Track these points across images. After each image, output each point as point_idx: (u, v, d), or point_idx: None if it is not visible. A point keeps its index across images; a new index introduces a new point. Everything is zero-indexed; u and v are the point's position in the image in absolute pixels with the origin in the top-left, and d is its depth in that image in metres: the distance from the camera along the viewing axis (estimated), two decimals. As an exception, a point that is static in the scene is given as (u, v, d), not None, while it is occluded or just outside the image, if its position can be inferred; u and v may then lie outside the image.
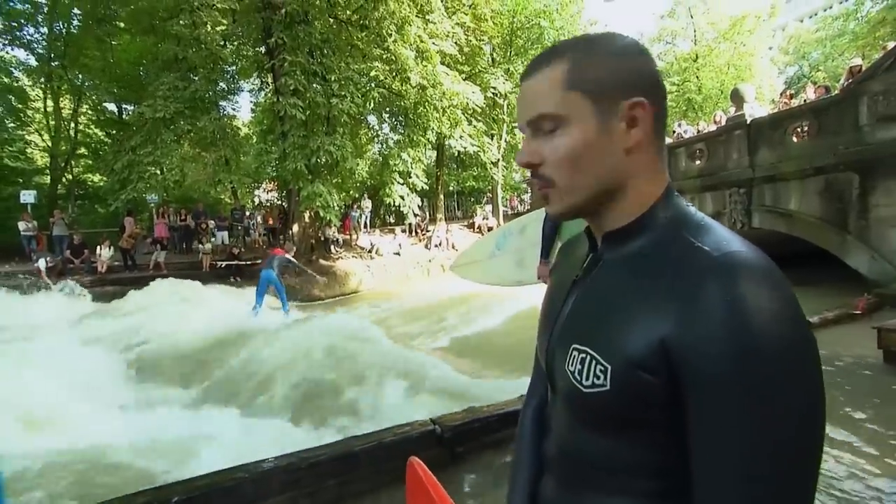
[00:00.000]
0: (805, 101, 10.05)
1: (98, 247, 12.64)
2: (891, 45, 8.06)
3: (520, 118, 0.64)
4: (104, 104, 20.14)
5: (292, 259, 10.41)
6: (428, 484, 1.00)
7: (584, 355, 0.58)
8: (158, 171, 13.71)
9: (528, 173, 0.68)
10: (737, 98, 9.44)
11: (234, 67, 16.81)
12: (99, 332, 7.55)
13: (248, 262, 13.64)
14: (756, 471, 0.46)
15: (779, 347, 0.47)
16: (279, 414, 3.94)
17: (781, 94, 12.14)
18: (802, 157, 7.93)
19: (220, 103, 16.45)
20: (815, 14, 40.47)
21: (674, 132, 16.15)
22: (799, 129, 8.23)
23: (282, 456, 2.53)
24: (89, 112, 20.00)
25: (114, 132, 19.19)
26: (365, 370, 4.86)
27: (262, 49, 14.93)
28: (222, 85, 16.86)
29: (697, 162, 10.31)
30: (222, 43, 14.45)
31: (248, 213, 17.40)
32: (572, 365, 0.59)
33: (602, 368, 0.55)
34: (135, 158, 12.13)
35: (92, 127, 20.47)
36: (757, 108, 10.37)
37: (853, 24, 24.55)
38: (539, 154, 0.62)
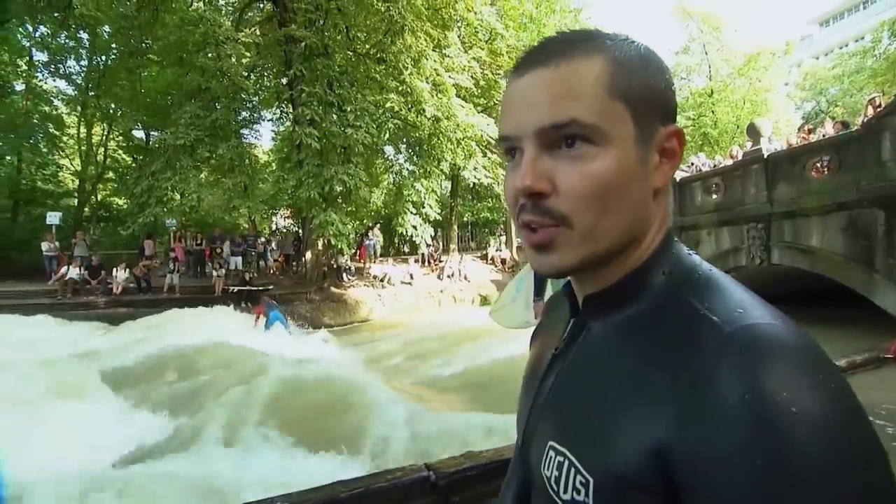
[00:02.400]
0: (824, 136, 9.88)
1: (115, 269, 12.87)
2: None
3: (518, 123, 0.46)
4: (133, 131, 20.95)
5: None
6: None
7: (561, 458, 0.46)
8: (177, 196, 14.04)
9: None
10: (753, 133, 9.33)
11: (256, 98, 17.37)
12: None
13: (260, 288, 13.71)
14: None
15: (823, 471, 0.33)
16: (258, 453, 3.78)
17: (799, 129, 11.99)
18: (823, 193, 7.72)
19: (242, 131, 16.91)
20: (831, 51, 40.54)
21: (691, 164, 16.02)
22: (819, 165, 8.05)
23: (259, 501, 2.38)
24: (118, 138, 20.81)
25: (140, 157, 19.87)
26: (355, 411, 4.69)
27: (283, 80, 15.44)
28: (244, 114, 17.38)
29: (714, 196, 10.13)
30: (245, 74, 14.97)
31: (263, 240, 17.60)
32: (548, 469, 0.47)
33: (583, 481, 0.43)
34: (154, 183, 12.44)
35: (120, 152, 21.28)
36: (775, 143, 10.24)
37: (871, 61, 24.46)
38: (551, 179, 0.44)
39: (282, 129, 21.73)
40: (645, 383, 0.41)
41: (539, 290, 3.28)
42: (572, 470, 0.44)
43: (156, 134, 19.44)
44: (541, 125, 0.44)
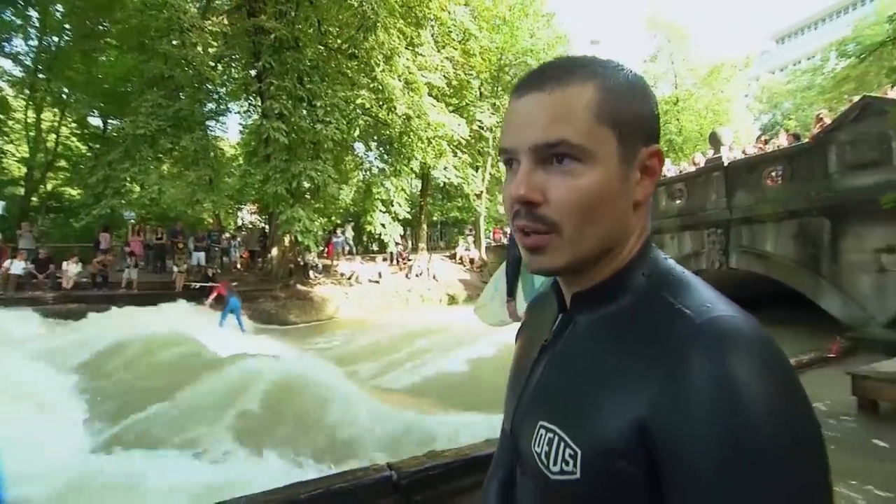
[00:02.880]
0: (778, 147, 10.37)
1: (65, 262, 12.20)
2: (855, 98, 8.41)
3: (516, 139, 0.52)
4: (88, 118, 19.90)
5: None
6: None
7: (551, 435, 0.50)
8: (136, 188, 13.43)
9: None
10: (715, 141, 9.68)
11: (223, 89, 16.84)
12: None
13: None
14: None
15: (778, 437, 0.39)
16: (215, 454, 3.66)
17: (757, 140, 12.55)
18: (777, 201, 8.09)
19: (208, 123, 16.30)
20: (786, 67, 42.66)
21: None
22: (773, 174, 8.43)
23: (217, 504, 2.30)
24: (72, 125, 19.73)
25: (96, 146, 18.92)
26: (316, 409, 4.61)
27: (252, 72, 15.04)
28: (210, 105, 16.79)
29: (678, 201, 10.47)
30: (212, 64, 14.48)
31: (227, 235, 17.08)
32: (538, 445, 0.51)
33: (571, 453, 0.48)
34: (111, 173, 11.87)
35: (74, 140, 20.17)
36: (735, 151, 10.67)
37: (820, 79, 25.89)
38: (543, 191, 0.50)
39: (249, 122, 21.22)
40: (628, 367, 0.46)
41: (511, 291, 3.31)
42: (562, 444, 0.48)
43: (114, 122, 18.60)
44: (535, 142, 0.50)
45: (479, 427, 3.94)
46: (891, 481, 3.11)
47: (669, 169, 16.25)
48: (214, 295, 10.94)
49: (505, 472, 0.70)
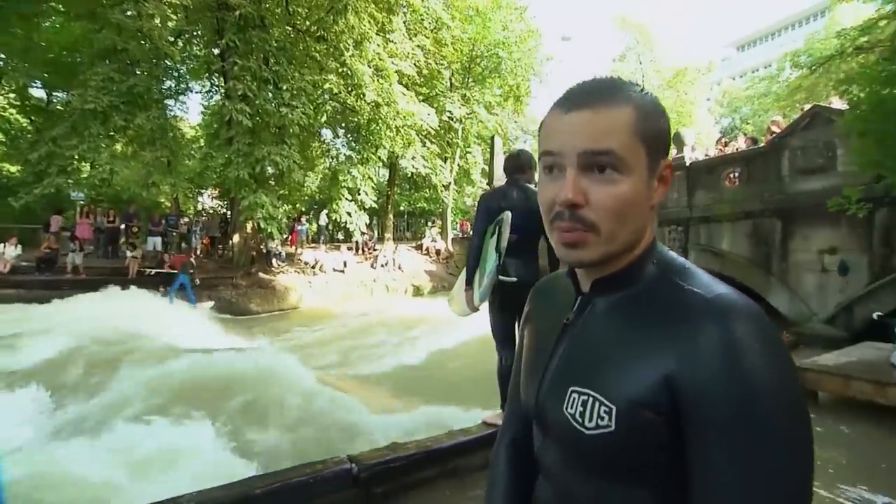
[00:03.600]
0: (737, 149, 10.78)
1: (3, 244, 11.40)
2: (807, 107, 8.83)
3: (564, 144, 0.59)
4: (29, 89, 18.46)
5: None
6: None
7: (585, 397, 0.59)
8: (85, 167, 12.62)
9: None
10: (678, 141, 9.98)
11: (182, 67, 16.03)
12: None
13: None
14: None
15: (779, 388, 0.50)
16: (166, 445, 3.49)
17: (717, 142, 13.00)
18: (734, 201, 8.42)
19: (167, 102, 15.46)
20: (745, 74, 44.44)
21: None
22: (731, 175, 8.77)
23: (167, 500, 2.18)
24: (10, 95, 18.26)
25: (39, 120, 17.64)
26: (273, 401, 4.48)
27: (215, 50, 14.38)
28: (169, 83, 15.92)
29: (639, 199, 10.75)
30: (171, 39, 13.73)
31: (186, 220, 16.38)
32: (572, 407, 0.60)
33: (606, 409, 0.56)
34: (55, 150, 11.10)
35: (13, 112, 18.70)
36: (698, 152, 11.03)
37: (776, 87, 27.11)
38: (586, 195, 0.58)
39: (212, 103, 20.35)
40: (650, 336, 0.57)
41: (469, 280, 3.25)
42: (596, 403, 0.57)
43: (60, 95, 17.40)
44: (585, 149, 0.58)
45: (442, 418, 3.94)
46: (825, 467, 3.30)
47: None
48: (168, 266, 11.29)
49: (512, 435, 0.82)
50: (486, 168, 20.16)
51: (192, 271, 12.25)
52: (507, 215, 2.95)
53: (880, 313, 5.53)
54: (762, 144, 9.51)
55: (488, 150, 20.08)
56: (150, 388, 4.53)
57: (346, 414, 4.23)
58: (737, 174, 8.66)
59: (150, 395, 4.36)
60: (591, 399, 0.58)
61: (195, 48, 15.90)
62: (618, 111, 0.58)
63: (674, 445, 0.53)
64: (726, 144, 12.07)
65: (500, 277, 2.97)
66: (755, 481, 0.48)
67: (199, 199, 24.00)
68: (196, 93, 18.98)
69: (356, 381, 6.46)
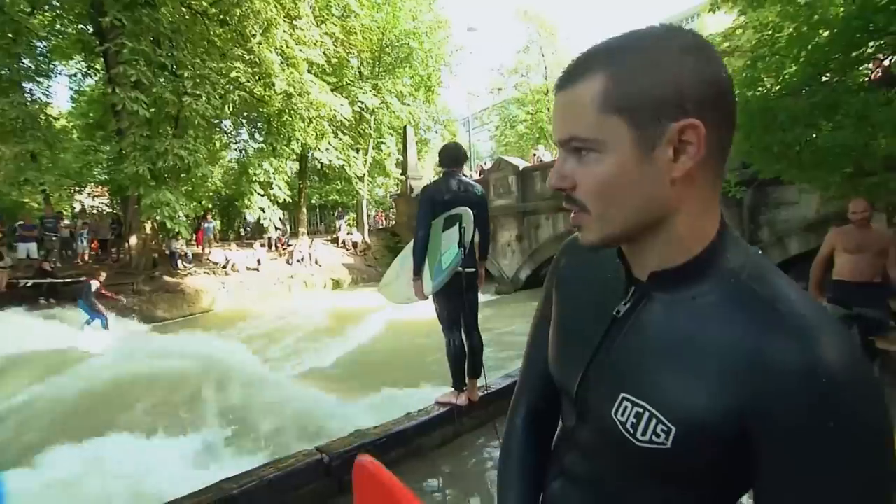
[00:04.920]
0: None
1: None
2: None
3: (554, 133, 0.56)
4: None
5: (97, 284, 9.62)
6: (384, 480, 0.92)
7: (639, 409, 0.54)
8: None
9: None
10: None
11: (44, 44, 13.96)
12: None
13: (67, 281, 11.31)
14: None
15: (865, 421, 0.45)
16: (127, 455, 3.26)
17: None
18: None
19: (25, 84, 13.37)
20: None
21: (534, 155, 17.90)
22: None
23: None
24: None
25: None
26: (226, 397, 4.34)
27: (90, 28, 12.76)
28: (27, 62, 13.78)
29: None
30: (28, 10, 11.87)
31: (68, 222, 14.48)
32: (623, 416, 0.55)
33: (664, 429, 0.52)
34: None
35: None
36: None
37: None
38: (572, 178, 0.55)
39: (87, 87, 18.02)
40: (720, 353, 0.50)
41: (418, 270, 3.34)
42: (653, 420, 0.52)
43: None
44: (558, 137, 0.55)
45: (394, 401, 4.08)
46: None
47: (545, 154, 17.82)
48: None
49: (530, 399, 0.79)
50: (401, 158, 20.20)
51: (89, 292, 9.86)
52: (468, 213, 3.10)
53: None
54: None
55: (401, 140, 20.12)
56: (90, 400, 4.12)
57: (300, 403, 4.20)
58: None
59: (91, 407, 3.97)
60: (646, 413, 0.53)
61: (63, 24, 13.97)
62: (584, 87, 0.52)
63: (732, 468, 0.51)
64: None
65: (466, 270, 3.17)
66: None
67: (78, 197, 21.27)
68: (63, 75, 16.75)
69: (295, 374, 6.36)
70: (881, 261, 3.50)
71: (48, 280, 11.19)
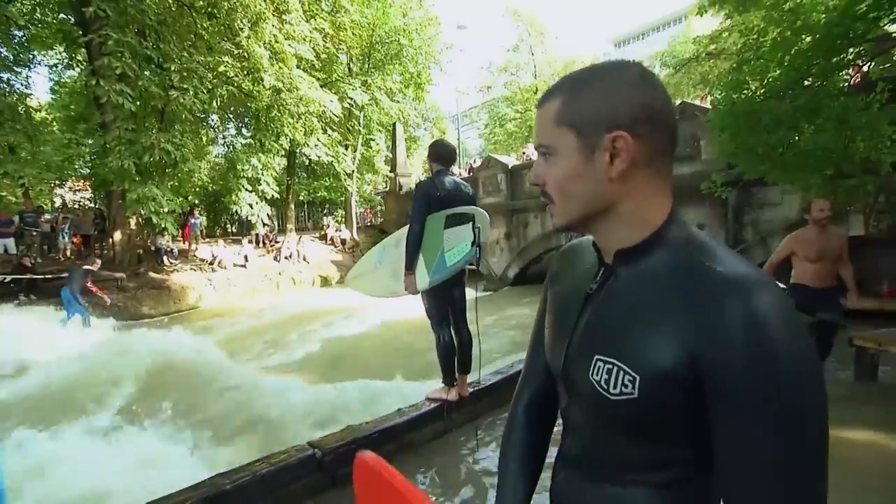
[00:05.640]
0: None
1: None
2: (675, 102, 10.20)
3: (533, 141, 0.71)
4: None
5: (91, 269, 9.05)
6: (386, 475, 0.93)
7: (610, 366, 0.62)
8: None
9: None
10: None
11: (22, 33, 13.62)
12: None
13: (48, 277, 11.09)
14: (786, 475, 0.52)
15: (805, 364, 0.53)
16: (119, 450, 3.24)
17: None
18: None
19: (3, 75, 13.03)
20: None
21: (523, 153, 17.94)
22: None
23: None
24: None
25: None
26: (211, 395, 4.33)
27: (72, 18, 12.48)
28: (4, 52, 13.42)
29: (539, 184, 11.63)
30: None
31: (48, 217, 14.18)
32: (597, 374, 0.64)
33: (630, 378, 0.60)
34: None
35: None
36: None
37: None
38: (543, 176, 0.69)
39: (68, 79, 17.63)
40: (673, 308, 0.59)
41: (410, 264, 3.34)
42: (621, 372, 0.61)
43: None
44: (534, 146, 0.70)
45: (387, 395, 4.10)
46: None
47: (533, 153, 17.88)
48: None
49: (531, 390, 0.87)
50: (390, 155, 20.14)
51: (79, 278, 9.51)
52: (483, 214, 3.11)
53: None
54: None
55: (390, 137, 20.05)
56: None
57: (285, 399, 4.20)
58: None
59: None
60: (615, 368, 0.61)
61: (44, 13, 13.63)
62: (547, 106, 0.66)
63: (693, 409, 0.57)
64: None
65: (478, 268, 3.22)
66: (774, 447, 0.52)
67: (58, 192, 20.83)
68: (43, 65, 16.34)
69: (282, 369, 6.35)
70: (837, 265, 3.60)
71: (27, 276, 10.98)
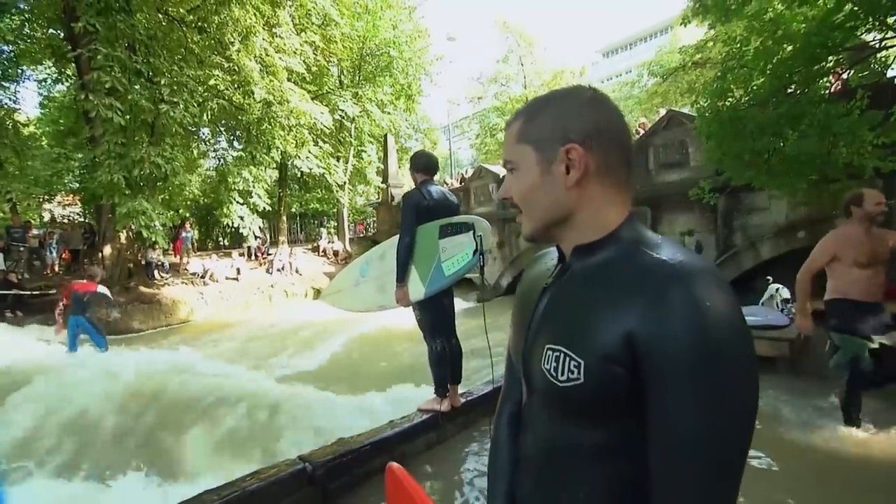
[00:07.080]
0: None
1: None
2: (662, 111, 10.35)
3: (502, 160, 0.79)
4: None
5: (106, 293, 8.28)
6: (410, 489, 1.02)
7: (557, 353, 0.65)
8: None
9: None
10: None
11: (10, 48, 13.59)
12: None
13: (35, 293, 10.95)
14: (704, 452, 0.54)
15: (734, 346, 0.55)
16: (93, 471, 3.18)
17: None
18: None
19: (-8, 90, 13.00)
20: (612, 78, 49.76)
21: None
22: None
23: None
24: None
25: None
26: (203, 407, 4.27)
27: (61, 33, 12.47)
28: (-6, 67, 13.38)
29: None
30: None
31: (37, 232, 14.02)
32: (547, 363, 0.66)
33: (575, 364, 0.62)
34: None
35: None
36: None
37: (637, 91, 30.84)
38: (509, 190, 0.76)
39: (57, 93, 17.57)
40: (616, 296, 0.62)
41: (402, 277, 3.32)
42: (567, 359, 0.64)
43: None
44: (502, 162, 0.77)
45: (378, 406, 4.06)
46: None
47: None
48: (60, 307, 7.44)
49: (511, 405, 0.87)
50: (382, 166, 20.18)
51: (89, 306, 7.63)
52: (484, 223, 3.10)
53: (770, 278, 6.06)
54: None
55: (382, 148, 20.11)
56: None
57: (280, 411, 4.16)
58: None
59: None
60: (562, 355, 0.64)
61: (32, 28, 13.61)
62: (512, 128, 0.74)
63: (637, 392, 0.59)
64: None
65: (483, 277, 3.18)
66: (696, 424, 0.54)
67: (47, 206, 20.62)
68: (31, 80, 16.31)
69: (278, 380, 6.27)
70: (883, 273, 2.89)
71: (14, 291, 10.83)
